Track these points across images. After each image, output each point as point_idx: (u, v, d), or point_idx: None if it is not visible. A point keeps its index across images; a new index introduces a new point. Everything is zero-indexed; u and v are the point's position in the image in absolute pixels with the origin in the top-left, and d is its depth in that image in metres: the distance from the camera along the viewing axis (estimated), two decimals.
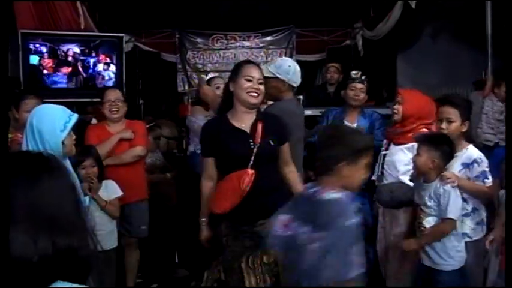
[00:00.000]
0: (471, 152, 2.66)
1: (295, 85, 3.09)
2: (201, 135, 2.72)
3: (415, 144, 2.69)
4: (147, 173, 3.85)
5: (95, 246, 1.06)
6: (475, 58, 6.07)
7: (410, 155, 2.78)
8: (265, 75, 3.04)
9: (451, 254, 2.50)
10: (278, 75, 3.05)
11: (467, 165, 2.63)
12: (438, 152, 2.49)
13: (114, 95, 3.46)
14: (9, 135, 3.05)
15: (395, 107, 2.93)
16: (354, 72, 3.85)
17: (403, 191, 2.86)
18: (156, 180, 4.29)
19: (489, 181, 2.63)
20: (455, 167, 2.59)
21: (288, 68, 3.07)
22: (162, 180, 4.47)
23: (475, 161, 2.62)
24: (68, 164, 2.34)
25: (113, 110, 3.40)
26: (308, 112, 3.32)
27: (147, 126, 4.35)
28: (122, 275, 3.56)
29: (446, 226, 2.47)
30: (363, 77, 3.75)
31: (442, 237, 2.48)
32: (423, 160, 2.51)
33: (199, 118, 4.18)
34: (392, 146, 3.01)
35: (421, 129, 2.84)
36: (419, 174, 2.61)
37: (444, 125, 2.67)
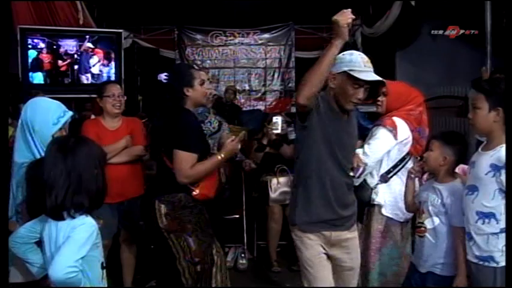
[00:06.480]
0: (504, 152, 2.05)
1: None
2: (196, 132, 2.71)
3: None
4: (144, 169, 3.84)
5: None
6: (474, 56, 6.08)
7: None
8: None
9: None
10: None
11: (497, 169, 2.07)
12: (451, 149, 2.38)
13: (118, 89, 3.41)
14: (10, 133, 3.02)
15: (380, 98, 2.78)
16: None
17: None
18: (154, 176, 4.26)
19: None
20: (484, 168, 2.12)
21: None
22: None
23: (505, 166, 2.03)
24: None
25: (117, 105, 3.37)
26: None
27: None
28: (119, 272, 3.57)
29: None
30: None
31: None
32: (434, 156, 2.41)
33: None
34: None
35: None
36: (430, 171, 2.50)
37: (470, 114, 2.19)
